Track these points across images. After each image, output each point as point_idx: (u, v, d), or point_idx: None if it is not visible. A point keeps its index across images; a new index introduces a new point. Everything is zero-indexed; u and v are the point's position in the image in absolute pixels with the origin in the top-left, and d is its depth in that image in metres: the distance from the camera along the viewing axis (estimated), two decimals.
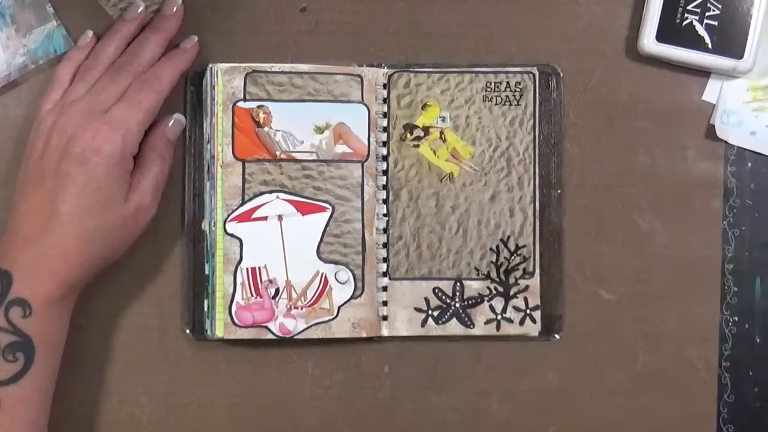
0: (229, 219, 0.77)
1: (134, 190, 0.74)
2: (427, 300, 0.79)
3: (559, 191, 0.80)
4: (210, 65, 0.78)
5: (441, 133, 0.79)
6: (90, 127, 0.73)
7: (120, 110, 0.74)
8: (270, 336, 0.77)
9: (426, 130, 0.79)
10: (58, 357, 0.73)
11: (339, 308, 0.78)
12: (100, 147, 0.72)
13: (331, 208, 0.78)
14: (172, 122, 0.77)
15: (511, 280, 0.79)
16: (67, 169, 0.72)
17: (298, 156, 0.78)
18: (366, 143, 0.79)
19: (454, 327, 0.79)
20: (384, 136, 0.79)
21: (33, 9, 0.78)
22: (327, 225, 0.78)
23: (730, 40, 0.77)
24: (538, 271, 0.79)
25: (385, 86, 0.79)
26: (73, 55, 0.78)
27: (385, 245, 0.79)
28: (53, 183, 0.72)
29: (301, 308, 0.78)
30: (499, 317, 0.79)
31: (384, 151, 0.79)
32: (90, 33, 0.78)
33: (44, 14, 0.78)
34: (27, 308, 0.70)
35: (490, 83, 0.79)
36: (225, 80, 0.78)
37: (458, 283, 0.79)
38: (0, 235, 0.74)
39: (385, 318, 0.79)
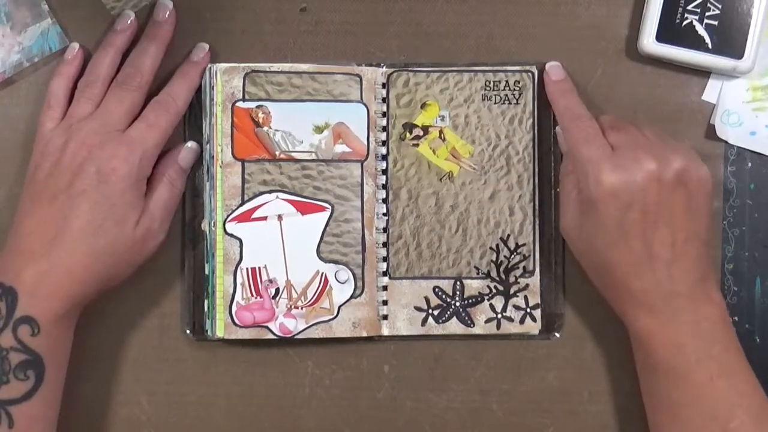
0: (228, 219, 0.77)
1: (144, 214, 0.74)
2: (427, 299, 0.79)
3: (558, 189, 0.79)
4: (209, 65, 0.78)
5: (440, 132, 0.79)
6: (107, 147, 0.72)
7: (138, 131, 0.74)
8: (270, 336, 0.77)
9: (425, 129, 0.79)
10: (65, 371, 0.73)
11: (339, 308, 0.78)
12: (117, 167, 0.72)
13: (330, 207, 0.78)
14: (185, 150, 0.77)
15: (511, 279, 0.79)
16: (83, 186, 0.71)
17: (298, 156, 0.78)
18: (365, 143, 0.78)
19: (454, 326, 0.79)
20: (383, 136, 0.79)
21: (28, 6, 0.78)
22: (327, 224, 0.78)
23: (730, 40, 0.77)
24: (538, 269, 0.79)
25: (384, 85, 0.79)
26: (63, 69, 0.77)
27: (384, 244, 0.79)
28: (66, 200, 0.71)
29: (302, 308, 0.78)
30: (499, 316, 0.79)
31: (383, 150, 0.79)
32: (76, 45, 0.77)
33: (39, 12, 0.78)
34: (35, 326, 0.70)
35: (489, 82, 0.79)
36: (224, 80, 0.77)
37: (458, 282, 0.79)
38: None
39: (385, 317, 0.79)
